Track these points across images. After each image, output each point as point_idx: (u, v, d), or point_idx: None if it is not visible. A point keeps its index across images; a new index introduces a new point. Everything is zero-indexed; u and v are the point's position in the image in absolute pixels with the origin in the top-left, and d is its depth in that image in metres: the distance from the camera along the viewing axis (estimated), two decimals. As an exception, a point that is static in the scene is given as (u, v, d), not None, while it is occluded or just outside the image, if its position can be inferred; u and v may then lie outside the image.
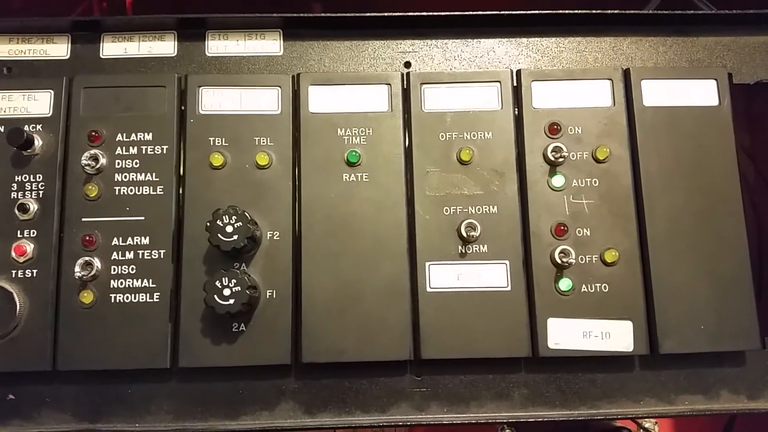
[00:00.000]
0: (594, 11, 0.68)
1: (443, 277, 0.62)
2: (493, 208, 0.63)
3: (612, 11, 0.68)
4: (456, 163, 0.64)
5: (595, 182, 0.63)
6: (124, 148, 0.63)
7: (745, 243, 0.63)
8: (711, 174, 0.64)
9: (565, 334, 0.61)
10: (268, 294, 0.61)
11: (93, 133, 0.63)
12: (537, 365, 0.63)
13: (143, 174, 0.62)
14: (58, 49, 0.68)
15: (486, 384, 0.63)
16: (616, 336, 0.61)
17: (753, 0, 0.70)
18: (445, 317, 0.61)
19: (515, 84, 0.66)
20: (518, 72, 0.66)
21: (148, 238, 0.61)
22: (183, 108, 0.64)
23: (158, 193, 0.62)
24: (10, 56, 0.68)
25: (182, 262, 0.61)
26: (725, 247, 0.62)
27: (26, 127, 0.62)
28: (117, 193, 0.62)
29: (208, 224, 0.58)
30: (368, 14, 0.68)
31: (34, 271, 0.60)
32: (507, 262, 0.62)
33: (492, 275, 0.62)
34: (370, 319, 0.61)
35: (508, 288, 0.62)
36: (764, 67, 0.70)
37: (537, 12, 0.68)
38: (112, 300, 0.60)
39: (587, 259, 0.62)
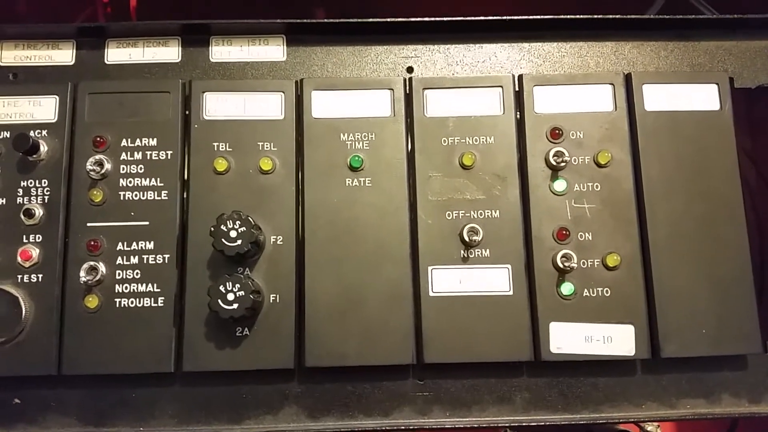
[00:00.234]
0: (595, 16, 0.68)
1: (445, 281, 0.62)
2: (495, 212, 0.63)
3: (613, 16, 0.68)
4: (458, 167, 0.64)
5: (596, 187, 0.64)
6: (128, 153, 0.63)
7: (746, 247, 0.63)
8: (712, 178, 0.64)
9: (567, 339, 0.61)
10: (271, 298, 0.61)
11: (98, 139, 0.63)
12: (539, 369, 0.63)
13: (148, 179, 0.63)
14: (63, 55, 0.69)
15: (488, 388, 0.63)
16: (618, 340, 0.61)
17: (754, 5, 0.70)
18: (448, 321, 0.61)
19: (517, 89, 0.66)
20: (520, 77, 0.66)
21: (152, 243, 0.62)
22: (187, 113, 0.65)
23: (162, 198, 0.63)
24: (15, 62, 0.68)
25: (186, 266, 0.61)
26: (727, 251, 0.63)
27: (32, 133, 0.63)
28: (122, 198, 0.62)
29: (212, 229, 0.58)
30: (371, 20, 0.68)
31: (40, 275, 0.61)
32: (509, 266, 0.62)
33: (494, 279, 0.62)
34: (372, 323, 0.61)
35: (510, 292, 0.62)
36: (765, 72, 0.70)
37: (539, 17, 0.68)
38: (117, 305, 0.61)
39: (589, 263, 0.62)
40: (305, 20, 0.68)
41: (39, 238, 0.62)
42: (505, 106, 0.65)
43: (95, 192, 0.62)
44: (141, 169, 0.63)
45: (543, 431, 0.69)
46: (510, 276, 0.62)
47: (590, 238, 0.63)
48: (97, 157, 0.62)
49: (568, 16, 0.68)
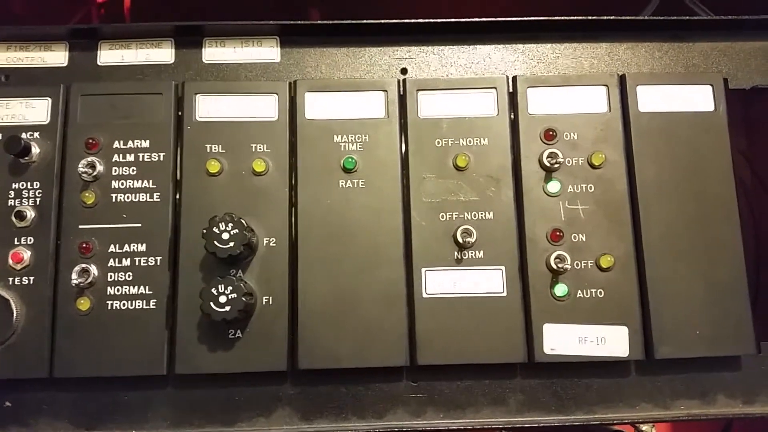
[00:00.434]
0: (590, 17, 0.68)
1: (439, 282, 0.62)
2: (489, 214, 0.63)
3: (608, 17, 0.68)
4: (452, 169, 0.64)
5: (590, 188, 0.64)
6: (121, 155, 0.63)
7: (740, 248, 0.63)
8: (706, 179, 0.64)
9: (561, 340, 0.61)
10: (264, 300, 0.61)
11: (90, 141, 0.63)
12: (533, 371, 0.63)
13: (140, 181, 0.63)
14: (56, 57, 0.68)
15: (482, 389, 0.63)
16: (612, 341, 0.61)
17: (748, 5, 0.70)
18: (441, 323, 0.61)
19: (511, 90, 0.66)
20: (514, 78, 0.66)
21: (144, 245, 0.61)
22: (180, 115, 0.65)
23: (155, 200, 0.62)
24: (7, 64, 0.68)
25: (179, 269, 0.61)
26: (721, 252, 0.63)
27: (24, 135, 0.62)
28: (114, 200, 0.62)
29: (205, 231, 0.58)
30: (365, 21, 0.68)
31: (31, 278, 0.61)
32: (503, 267, 0.62)
33: (488, 281, 0.62)
34: (366, 325, 0.61)
35: (504, 294, 0.62)
36: (760, 73, 0.70)
37: (533, 18, 0.68)
38: (109, 307, 0.60)
39: (583, 264, 0.62)
40: (299, 21, 0.68)
41: (30, 240, 0.61)
42: (499, 107, 0.65)
43: (87, 194, 0.62)
44: (133, 170, 0.63)
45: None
46: (504, 277, 0.62)
47: (584, 239, 0.63)
48: (90, 158, 0.62)
49: (563, 18, 0.68)
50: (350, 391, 0.63)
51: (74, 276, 0.60)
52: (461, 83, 0.66)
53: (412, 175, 0.64)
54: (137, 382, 0.61)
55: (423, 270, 0.62)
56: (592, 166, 0.64)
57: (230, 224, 0.58)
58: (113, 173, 0.63)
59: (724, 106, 0.66)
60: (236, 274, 0.61)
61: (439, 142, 0.64)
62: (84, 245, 0.61)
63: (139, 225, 0.62)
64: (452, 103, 0.66)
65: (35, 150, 0.63)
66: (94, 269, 0.61)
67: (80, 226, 0.62)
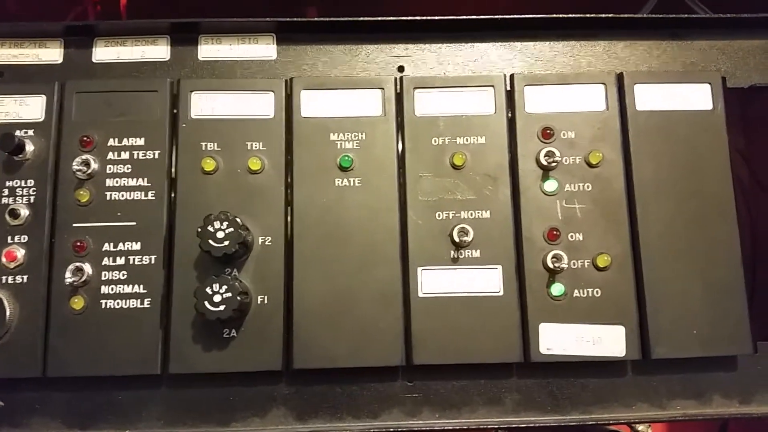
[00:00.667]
0: (588, 15, 0.68)
1: (435, 282, 0.62)
2: (486, 212, 0.63)
3: (606, 15, 0.68)
4: (449, 167, 0.64)
5: (587, 187, 0.63)
6: (115, 153, 0.63)
7: (737, 248, 0.62)
8: (704, 178, 0.64)
9: (558, 339, 0.61)
10: (259, 300, 0.60)
11: (85, 138, 0.63)
12: (529, 370, 0.63)
13: (135, 179, 0.62)
14: (51, 54, 0.68)
15: (478, 389, 0.63)
16: (609, 341, 0.61)
17: (747, 4, 0.70)
18: (438, 322, 0.61)
19: (508, 88, 0.66)
20: (511, 76, 0.66)
21: (139, 243, 0.61)
22: (175, 112, 0.64)
23: (150, 198, 0.62)
24: (2, 61, 0.67)
25: (173, 267, 0.61)
26: (718, 251, 0.62)
27: (18, 132, 0.62)
28: (108, 198, 0.62)
29: (199, 230, 0.57)
30: (362, 18, 0.67)
31: (25, 276, 0.60)
32: (499, 266, 0.62)
33: (484, 280, 0.62)
34: (362, 325, 0.60)
35: (501, 293, 0.61)
36: (758, 71, 0.70)
37: (531, 16, 0.68)
38: (103, 306, 0.60)
39: (579, 263, 0.62)
40: (296, 19, 0.68)
41: (24, 238, 0.61)
42: (497, 105, 0.65)
43: (82, 192, 0.62)
44: (128, 168, 0.63)
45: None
46: (500, 276, 0.62)
47: (581, 238, 0.62)
48: (84, 156, 0.62)
49: (560, 16, 0.68)
50: (345, 391, 0.63)
51: (68, 275, 0.60)
52: (458, 81, 0.66)
53: (408, 173, 0.63)
54: (131, 381, 0.61)
55: (419, 269, 0.62)
56: (590, 165, 0.64)
57: (225, 223, 0.57)
58: (108, 171, 0.62)
59: (722, 105, 0.65)
60: (231, 273, 0.60)
61: (435, 141, 0.64)
62: (78, 244, 0.61)
63: (134, 223, 0.62)
64: (449, 101, 0.65)
65: (29, 147, 0.62)
66: (88, 268, 0.60)
67: (74, 225, 0.61)
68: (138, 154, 0.63)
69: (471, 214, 0.63)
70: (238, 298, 0.57)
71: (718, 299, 0.61)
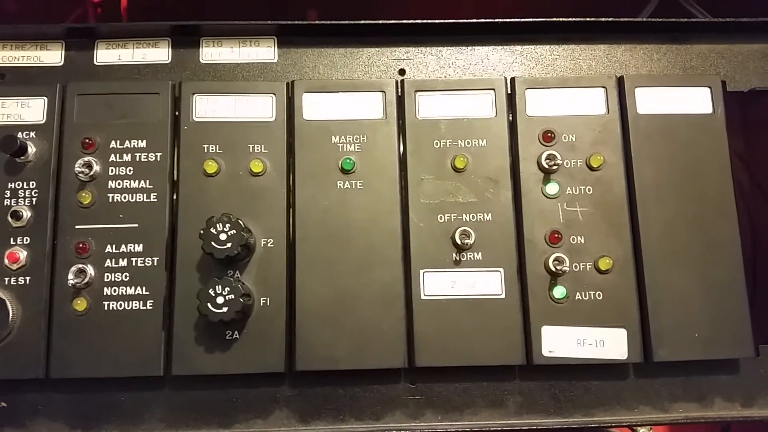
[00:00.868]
0: (588, 19, 0.68)
1: (437, 284, 0.62)
2: (488, 215, 0.63)
3: (606, 19, 0.68)
4: (450, 170, 0.64)
5: (589, 190, 0.63)
6: (117, 155, 0.63)
7: (738, 250, 0.63)
8: (705, 182, 0.64)
9: (560, 342, 0.61)
10: (261, 302, 0.60)
11: (87, 140, 0.63)
12: (531, 373, 0.63)
13: (137, 181, 0.62)
14: (52, 56, 0.68)
15: (480, 392, 0.63)
16: (611, 344, 0.61)
17: (747, 8, 0.70)
18: (440, 325, 0.61)
19: (509, 91, 0.66)
20: (512, 79, 0.66)
21: (141, 245, 0.61)
22: (177, 115, 0.64)
23: (152, 200, 0.62)
24: (3, 63, 0.67)
25: (176, 269, 0.61)
26: (719, 254, 0.63)
27: (20, 134, 0.62)
28: (110, 200, 0.62)
29: (202, 232, 0.58)
30: (363, 21, 0.68)
31: (27, 278, 0.60)
32: (501, 269, 0.62)
33: (486, 283, 0.62)
34: (364, 327, 0.60)
35: (503, 296, 0.62)
36: (758, 75, 0.70)
37: (531, 19, 0.68)
38: (106, 307, 0.60)
39: (581, 266, 0.62)
40: (297, 22, 0.68)
41: (27, 240, 0.61)
42: (498, 108, 0.65)
43: (84, 194, 0.61)
44: (130, 171, 0.63)
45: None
46: (502, 279, 0.62)
47: (582, 241, 0.62)
48: (86, 158, 0.62)
49: (561, 19, 0.68)
50: (348, 393, 0.63)
51: (71, 276, 0.60)
52: (459, 84, 0.66)
53: (410, 176, 0.63)
54: (134, 383, 0.61)
55: (421, 272, 0.62)
56: (591, 168, 0.64)
57: (228, 225, 0.57)
58: (110, 173, 0.62)
59: (722, 109, 0.66)
60: (234, 275, 0.60)
61: (437, 144, 0.64)
62: (80, 245, 0.61)
63: (136, 225, 0.62)
64: (450, 105, 0.65)
65: (31, 149, 0.62)
66: (90, 269, 0.60)
67: (77, 226, 0.61)
68: (140, 156, 0.63)
69: (473, 217, 0.63)
70: (241, 300, 0.57)
71: (720, 302, 0.62)
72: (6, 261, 0.60)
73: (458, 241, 0.61)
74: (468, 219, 0.63)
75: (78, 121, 0.63)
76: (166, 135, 0.63)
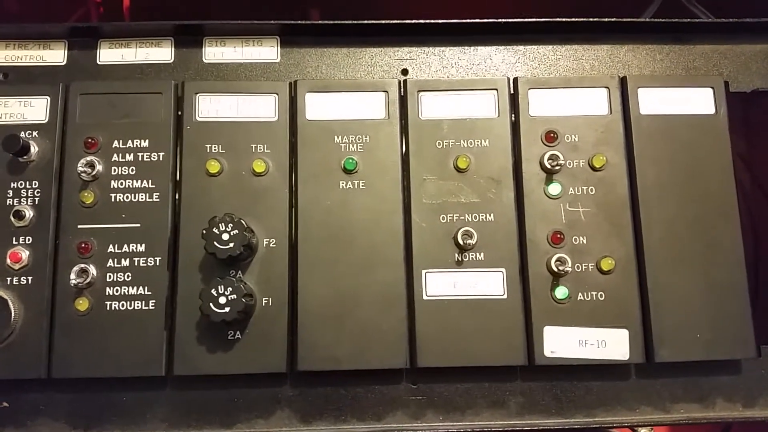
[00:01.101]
0: (591, 19, 0.68)
1: (440, 284, 0.62)
2: (490, 215, 0.63)
3: (609, 19, 0.68)
4: (453, 170, 0.64)
5: (591, 190, 0.63)
6: (120, 154, 0.63)
7: (741, 251, 0.63)
8: (707, 182, 0.64)
9: (562, 343, 0.61)
10: (263, 302, 0.60)
11: (89, 140, 0.63)
12: (533, 373, 0.63)
13: (139, 181, 0.62)
14: (55, 56, 0.68)
15: (482, 392, 0.63)
16: (612, 344, 0.61)
17: (749, 8, 0.70)
18: (442, 325, 0.61)
19: (512, 92, 0.66)
20: (515, 80, 0.66)
21: (143, 245, 0.61)
22: (180, 114, 0.64)
23: (154, 200, 0.62)
24: (6, 62, 0.67)
25: (178, 269, 0.61)
26: (721, 255, 0.63)
27: (22, 134, 0.62)
28: (113, 200, 0.62)
29: (204, 232, 0.58)
30: (366, 21, 0.68)
31: (29, 278, 0.60)
32: (503, 270, 0.62)
33: (488, 283, 0.62)
34: (366, 327, 0.60)
35: (505, 296, 0.62)
36: (761, 76, 0.70)
37: (534, 20, 0.68)
38: (108, 307, 0.60)
39: (583, 267, 0.62)
40: (299, 21, 0.68)
41: (29, 240, 0.61)
42: (500, 109, 0.65)
43: (86, 194, 0.62)
44: (133, 170, 0.63)
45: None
46: (504, 280, 0.62)
47: (585, 241, 0.62)
48: (89, 158, 0.62)
49: (564, 19, 0.68)
50: (350, 393, 0.63)
51: (73, 276, 0.60)
52: (462, 84, 0.66)
53: (412, 176, 0.63)
54: (136, 383, 0.61)
55: (423, 272, 0.62)
56: (593, 169, 0.64)
57: (230, 225, 0.57)
58: (112, 173, 0.62)
59: (725, 109, 0.65)
60: (236, 275, 0.60)
61: (439, 144, 0.64)
62: (83, 245, 0.61)
63: (139, 225, 0.62)
64: (453, 105, 0.65)
65: (34, 149, 0.62)
66: (92, 269, 0.60)
67: (79, 226, 0.61)
68: (143, 156, 0.63)
69: (475, 217, 0.63)
70: (243, 300, 0.57)
71: (722, 303, 0.62)
72: (8, 260, 0.60)
73: (460, 242, 0.61)
74: (470, 219, 0.63)
75: (81, 120, 0.63)
76: (168, 135, 0.63)
